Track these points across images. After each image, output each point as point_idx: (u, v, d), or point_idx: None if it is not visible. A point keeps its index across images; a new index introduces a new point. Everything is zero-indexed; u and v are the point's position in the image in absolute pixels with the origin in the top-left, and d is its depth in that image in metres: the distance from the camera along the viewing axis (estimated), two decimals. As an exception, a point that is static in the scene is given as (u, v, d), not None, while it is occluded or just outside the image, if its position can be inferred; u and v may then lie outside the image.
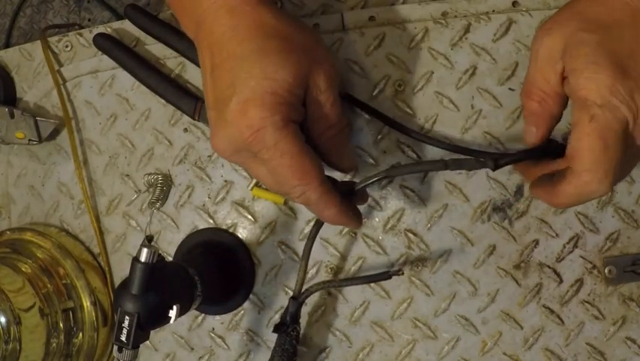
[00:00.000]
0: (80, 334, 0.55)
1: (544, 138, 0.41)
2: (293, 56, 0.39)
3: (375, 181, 0.43)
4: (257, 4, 0.40)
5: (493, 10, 0.51)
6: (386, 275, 0.46)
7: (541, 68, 0.39)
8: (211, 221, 0.55)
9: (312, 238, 0.47)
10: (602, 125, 0.35)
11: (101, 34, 0.56)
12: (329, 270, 0.52)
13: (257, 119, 0.37)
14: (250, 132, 0.37)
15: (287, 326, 0.48)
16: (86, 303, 0.55)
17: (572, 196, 0.37)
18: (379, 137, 0.52)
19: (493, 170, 0.41)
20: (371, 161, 0.52)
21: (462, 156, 0.43)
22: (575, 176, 0.36)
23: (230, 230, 0.54)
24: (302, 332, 0.52)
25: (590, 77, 0.35)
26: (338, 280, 0.49)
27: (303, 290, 0.48)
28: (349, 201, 0.43)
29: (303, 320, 0.51)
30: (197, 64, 0.54)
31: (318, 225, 0.47)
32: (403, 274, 0.46)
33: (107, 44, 0.56)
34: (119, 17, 1.25)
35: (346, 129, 0.45)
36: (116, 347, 0.41)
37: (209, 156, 0.55)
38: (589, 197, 0.37)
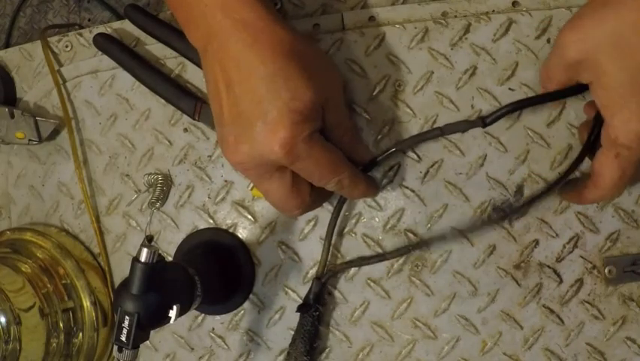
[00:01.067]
0: (80, 334, 0.55)
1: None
2: (314, 76, 0.42)
3: (391, 153, 0.49)
4: (272, 21, 0.42)
5: (493, 10, 0.51)
6: (406, 250, 0.50)
7: (558, 65, 0.43)
8: (211, 221, 0.55)
9: (335, 216, 0.50)
10: (624, 162, 0.41)
11: (101, 34, 0.56)
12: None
13: (288, 137, 0.40)
14: (283, 150, 0.40)
15: (310, 306, 0.50)
16: (86, 303, 0.55)
17: (593, 200, 0.46)
18: (379, 137, 0.52)
19: (483, 127, 0.46)
20: (371, 161, 0.52)
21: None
22: (598, 190, 0.43)
23: (230, 230, 0.54)
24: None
25: (622, 122, 0.39)
26: (359, 260, 0.51)
27: (325, 271, 0.51)
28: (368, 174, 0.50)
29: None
30: (197, 64, 0.54)
31: (342, 201, 0.51)
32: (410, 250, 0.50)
33: (107, 44, 0.56)
34: (119, 17, 1.25)
35: (355, 128, 0.51)
36: (116, 347, 0.41)
37: (209, 156, 0.55)
38: (606, 201, 0.48)
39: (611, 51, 0.38)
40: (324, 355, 0.52)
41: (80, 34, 0.59)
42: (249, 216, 0.54)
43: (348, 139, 0.47)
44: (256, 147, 0.41)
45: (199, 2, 0.42)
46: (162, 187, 0.55)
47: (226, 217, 0.54)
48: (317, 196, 0.47)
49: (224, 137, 0.42)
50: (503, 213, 0.49)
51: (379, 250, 0.51)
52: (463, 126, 0.47)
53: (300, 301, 0.51)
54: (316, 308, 0.50)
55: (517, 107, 0.45)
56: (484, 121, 0.46)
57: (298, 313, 0.50)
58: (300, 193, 0.44)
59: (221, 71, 0.41)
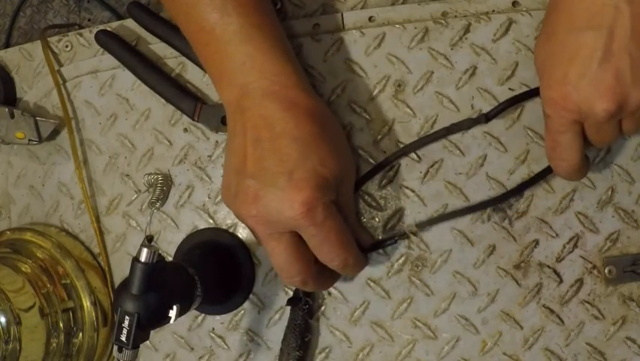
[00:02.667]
0: (80, 334, 0.55)
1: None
2: (338, 150, 0.45)
3: (395, 239, 0.50)
4: (306, 90, 0.45)
5: (493, 10, 0.51)
6: (393, 240, 0.50)
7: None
8: (211, 221, 0.55)
9: None
10: (550, 131, 0.43)
11: (103, 31, 0.56)
12: (329, 270, 0.52)
13: (311, 197, 0.41)
14: (303, 208, 0.41)
15: (300, 299, 0.50)
16: (86, 303, 0.55)
17: (560, 174, 0.47)
18: (379, 137, 0.52)
19: (486, 122, 0.48)
20: (371, 161, 0.52)
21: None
22: (551, 161, 0.46)
23: (230, 230, 0.54)
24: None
25: (542, 90, 0.43)
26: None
27: None
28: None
29: (303, 320, 0.52)
30: (197, 64, 0.54)
31: None
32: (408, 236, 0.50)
33: (109, 41, 0.56)
34: (119, 17, 1.25)
35: (358, 213, 0.52)
36: (116, 347, 0.41)
37: (209, 156, 0.55)
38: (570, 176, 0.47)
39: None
40: (323, 355, 0.52)
41: (80, 34, 0.59)
42: (249, 216, 0.54)
43: (353, 221, 0.48)
44: (276, 203, 0.41)
45: (235, 58, 0.44)
46: (162, 187, 0.55)
47: (226, 217, 0.54)
48: (320, 275, 0.46)
49: (241, 188, 0.43)
50: (494, 202, 0.50)
51: (379, 250, 0.51)
52: (467, 124, 0.49)
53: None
54: (306, 302, 0.50)
55: (516, 101, 0.47)
56: (486, 116, 0.48)
57: None
58: (304, 259, 0.44)
59: (252, 127, 0.43)
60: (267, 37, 0.44)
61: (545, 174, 0.48)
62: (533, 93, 0.48)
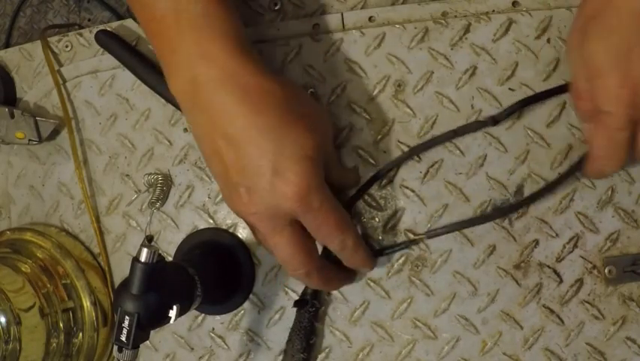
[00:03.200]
0: (80, 334, 0.55)
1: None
2: (310, 122, 0.42)
3: (403, 244, 0.51)
4: (257, 71, 0.42)
5: (493, 10, 0.51)
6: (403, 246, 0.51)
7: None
8: (211, 221, 0.55)
9: None
10: (608, 129, 0.42)
11: (102, 31, 0.56)
12: (329, 270, 0.52)
13: (302, 186, 0.40)
14: (297, 199, 0.40)
15: (307, 302, 0.50)
16: (86, 303, 0.55)
17: (595, 173, 0.46)
18: (379, 137, 0.52)
19: (494, 125, 0.49)
20: (371, 161, 0.52)
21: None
22: (593, 161, 0.45)
23: (230, 230, 0.54)
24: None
25: (602, 88, 0.41)
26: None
27: None
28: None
29: (303, 320, 0.52)
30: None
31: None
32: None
33: (109, 41, 0.56)
34: (119, 17, 1.25)
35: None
36: (116, 347, 0.41)
37: (209, 156, 0.55)
38: (607, 173, 0.46)
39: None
40: (323, 355, 0.52)
41: (80, 34, 0.59)
42: (249, 216, 0.54)
43: (338, 169, 0.48)
44: (270, 197, 0.40)
45: (180, 49, 0.41)
46: (162, 187, 0.55)
47: (226, 217, 0.54)
48: (324, 269, 0.46)
49: (232, 192, 0.42)
50: (502, 213, 0.49)
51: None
52: (476, 126, 0.49)
53: None
54: (313, 304, 0.50)
55: (526, 104, 0.47)
56: (494, 119, 0.49)
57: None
58: (307, 250, 0.44)
59: (213, 126, 0.41)
60: (215, 24, 0.42)
61: (573, 172, 0.48)
62: (543, 96, 0.48)
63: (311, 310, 0.50)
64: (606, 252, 0.49)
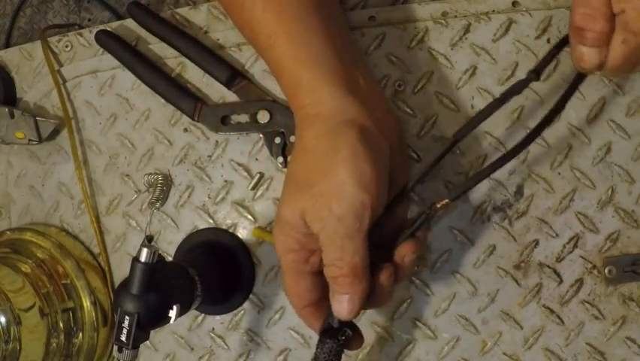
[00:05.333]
0: (80, 334, 0.55)
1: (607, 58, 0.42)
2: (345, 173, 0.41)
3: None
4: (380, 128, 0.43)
5: (493, 10, 0.51)
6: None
7: None
8: (211, 221, 0.55)
9: None
10: (628, 49, 0.39)
11: (102, 31, 0.56)
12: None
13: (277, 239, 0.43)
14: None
15: (338, 330, 0.42)
16: (86, 303, 0.55)
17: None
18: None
19: (538, 79, 0.42)
20: (371, 161, 0.52)
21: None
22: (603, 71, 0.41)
23: (230, 230, 0.54)
24: (305, 333, 0.51)
25: (636, 10, 0.38)
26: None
27: None
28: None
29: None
30: (197, 64, 0.54)
31: None
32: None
33: (109, 41, 0.56)
34: (119, 17, 1.25)
35: None
36: (116, 347, 0.41)
37: (209, 156, 0.55)
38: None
39: None
40: (324, 355, 0.52)
41: (80, 34, 0.59)
42: (249, 216, 0.54)
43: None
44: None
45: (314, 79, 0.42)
46: (162, 187, 0.55)
47: (226, 217, 0.54)
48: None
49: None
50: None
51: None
52: (520, 85, 0.43)
53: None
54: (344, 331, 0.42)
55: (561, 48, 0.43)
56: (536, 73, 0.42)
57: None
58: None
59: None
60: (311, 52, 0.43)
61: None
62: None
63: (341, 338, 0.42)
64: (606, 252, 0.49)
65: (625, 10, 0.39)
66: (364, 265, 0.40)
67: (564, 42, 0.43)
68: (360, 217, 0.39)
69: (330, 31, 0.43)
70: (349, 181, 0.39)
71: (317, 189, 0.40)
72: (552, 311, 0.49)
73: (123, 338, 0.40)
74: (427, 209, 0.42)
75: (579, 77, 0.43)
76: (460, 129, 0.43)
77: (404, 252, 0.43)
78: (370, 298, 0.42)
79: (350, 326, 0.43)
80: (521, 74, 0.50)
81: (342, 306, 0.41)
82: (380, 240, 0.43)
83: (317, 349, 0.42)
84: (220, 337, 0.54)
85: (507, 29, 0.50)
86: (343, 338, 0.42)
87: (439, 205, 0.42)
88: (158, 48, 0.56)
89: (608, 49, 0.41)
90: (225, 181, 0.54)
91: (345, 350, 0.43)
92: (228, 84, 0.53)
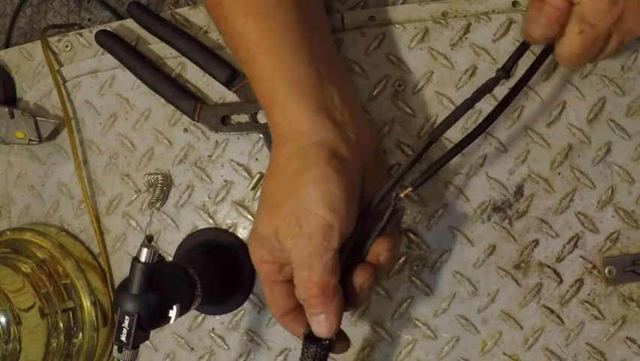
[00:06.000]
0: (80, 334, 0.55)
1: (556, 39, 0.43)
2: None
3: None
4: (357, 158, 0.43)
5: (493, 10, 0.51)
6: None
7: None
8: (211, 221, 0.55)
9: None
10: (585, 40, 0.41)
11: (103, 31, 0.56)
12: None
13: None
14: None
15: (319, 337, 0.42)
16: (86, 303, 0.55)
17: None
18: (379, 137, 0.52)
19: (508, 77, 0.43)
20: (371, 161, 0.52)
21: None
22: (559, 60, 0.44)
23: (230, 230, 0.54)
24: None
25: (591, 0, 0.40)
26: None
27: None
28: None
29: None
30: (197, 64, 0.54)
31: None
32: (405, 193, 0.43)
33: (109, 41, 0.56)
34: (119, 17, 1.25)
35: None
36: (116, 347, 0.41)
37: (209, 156, 0.55)
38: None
39: None
40: (324, 355, 0.52)
41: (80, 34, 0.59)
42: (249, 216, 0.54)
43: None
44: None
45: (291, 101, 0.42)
46: (162, 187, 0.55)
47: (226, 217, 0.54)
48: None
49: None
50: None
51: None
52: (489, 84, 0.43)
53: None
54: (327, 339, 0.42)
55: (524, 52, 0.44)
56: (505, 71, 0.43)
57: None
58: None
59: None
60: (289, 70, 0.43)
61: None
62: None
63: (325, 343, 0.42)
64: (606, 252, 0.49)
65: (581, 2, 0.40)
66: (334, 284, 0.41)
67: (546, 51, 0.44)
68: (328, 237, 0.40)
69: (310, 45, 0.43)
70: (317, 202, 0.40)
71: (287, 207, 0.40)
72: (552, 311, 0.49)
73: (123, 338, 0.40)
74: (392, 201, 0.42)
75: (524, 46, 0.44)
76: (434, 129, 0.44)
77: (378, 250, 0.43)
78: (350, 301, 0.42)
79: None
80: (521, 74, 0.50)
81: (320, 326, 0.41)
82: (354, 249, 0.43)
83: (301, 354, 0.43)
84: (220, 337, 0.54)
85: (507, 29, 0.50)
86: (327, 342, 0.42)
87: (402, 195, 0.42)
88: (158, 48, 0.56)
89: (563, 37, 0.42)
90: (225, 181, 0.54)
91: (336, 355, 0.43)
92: (228, 84, 0.53)
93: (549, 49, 0.44)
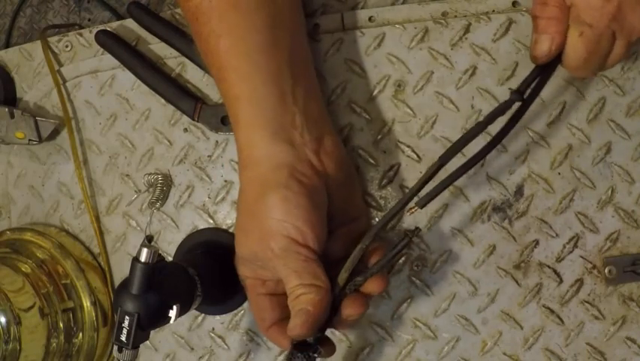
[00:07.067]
0: (80, 334, 0.55)
1: (559, 48, 0.42)
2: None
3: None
4: (314, 183, 0.44)
5: (493, 10, 0.51)
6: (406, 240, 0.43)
7: None
8: (211, 221, 0.55)
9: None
10: (588, 41, 0.41)
11: (102, 31, 0.56)
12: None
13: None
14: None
15: (310, 345, 0.43)
16: (86, 303, 0.55)
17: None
18: (379, 137, 0.52)
19: (523, 100, 0.43)
20: (371, 161, 0.52)
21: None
22: (568, 69, 0.44)
23: (231, 230, 0.54)
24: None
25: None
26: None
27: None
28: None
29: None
30: (197, 64, 0.54)
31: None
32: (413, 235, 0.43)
33: (109, 41, 0.56)
34: (119, 17, 1.25)
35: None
36: (116, 347, 0.41)
37: (209, 156, 0.55)
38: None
39: None
40: (324, 355, 0.52)
41: (80, 34, 0.59)
42: (249, 216, 0.54)
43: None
44: None
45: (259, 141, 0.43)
46: (162, 187, 0.55)
47: (226, 217, 0.54)
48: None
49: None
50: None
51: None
52: (502, 107, 0.43)
53: None
54: (316, 348, 0.43)
55: (540, 73, 0.43)
56: (519, 93, 0.43)
57: None
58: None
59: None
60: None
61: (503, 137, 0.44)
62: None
63: (313, 355, 0.43)
64: (606, 252, 0.49)
65: (574, 2, 0.40)
66: (326, 285, 0.42)
67: (553, 63, 0.43)
68: (300, 251, 0.42)
69: (279, 66, 0.44)
70: (281, 225, 0.42)
71: (255, 234, 0.43)
72: (552, 311, 0.49)
73: (123, 338, 0.40)
74: (408, 234, 0.43)
75: (537, 69, 0.43)
76: (445, 152, 0.43)
77: (374, 288, 0.44)
78: (335, 321, 0.44)
79: (321, 338, 0.44)
80: (521, 74, 0.50)
81: (296, 322, 0.42)
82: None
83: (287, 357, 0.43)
84: (220, 337, 0.54)
85: (507, 29, 0.50)
86: (315, 355, 0.43)
87: (408, 213, 0.43)
88: (158, 48, 0.56)
89: (566, 45, 0.42)
90: (225, 181, 0.54)
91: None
92: (228, 84, 0.53)
93: (555, 60, 0.43)
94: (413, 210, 0.43)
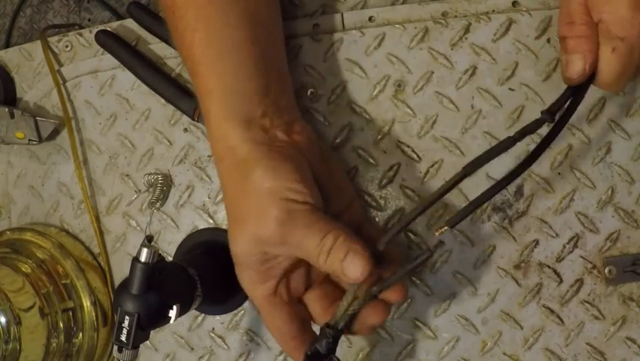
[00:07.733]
0: (80, 334, 0.55)
1: (593, 66, 0.41)
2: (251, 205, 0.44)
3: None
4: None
5: (493, 10, 0.51)
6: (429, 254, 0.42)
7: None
8: (211, 221, 0.55)
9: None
10: (621, 55, 0.40)
11: (102, 31, 0.56)
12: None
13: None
14: None
15: (324, 357, 0.41)
16: (86, 303, 0.55)
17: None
18: (379, 137, 0.52)
19: (553, 121, 0.42)
20: (371, 161, 0.52)
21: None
22: (602, 87, 0.43)
23: (230, 230, 0.54)
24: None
25: (612, 13, 0.40)
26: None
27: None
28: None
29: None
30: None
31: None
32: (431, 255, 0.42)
33: (109, 41, 0.56)
34: (119, 17, 1.25)
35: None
36: (116, 347, 0.41)
37: (209, 156, 0.55)
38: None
39: None
40: (324, 355, 0.52)
41: (80, 34, 0.59)
42: (249, 216, 0.54)
43: None
44: None
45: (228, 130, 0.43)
46: (162, 187, 0.55)
47: (226, 217, 0.54)
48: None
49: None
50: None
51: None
52: (532, 127, 0.42)
53: None
54: (330, 359, 0.41)
55: (573, 93, 0.43)
56: (550, 114, 0.42)
57: None
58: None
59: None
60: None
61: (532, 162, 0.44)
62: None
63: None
64: (606, 252, 0.49)
65: (603, 18, 0.40)
66: (347, 231, 0.41)
67: (586, 82, 0.42)
68: (305, 208, 0.40)
69: (254, 62, 0.44)
70: (273, 189, 0.41)
71: (254, 212, 0.41)
72: (552, 311, 0.49)
73: (123, 338, 0.40)
74: (432, 248, 0.41)
75: (569, 91, 0.43)
76: (469, 163, 0.42)
77: (393, 297, 0.43)
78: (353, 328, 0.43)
79: (334, 348, 0.42)
80: (521, 74, 0.50)
81: (353, 264, 0.40)
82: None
83: None
84: (220, 337, 0.54)
85: (507, 29, 0.50)
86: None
87: (437, 233, 0.41)
88: (158, 48, 0.56)
89: (598, 60, 0.41)
90: (225, 181, 0.54)
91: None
92: (228, 84, 0.53)
93: (588, 80, 0.42)
94: (443, 230, 0.41)
